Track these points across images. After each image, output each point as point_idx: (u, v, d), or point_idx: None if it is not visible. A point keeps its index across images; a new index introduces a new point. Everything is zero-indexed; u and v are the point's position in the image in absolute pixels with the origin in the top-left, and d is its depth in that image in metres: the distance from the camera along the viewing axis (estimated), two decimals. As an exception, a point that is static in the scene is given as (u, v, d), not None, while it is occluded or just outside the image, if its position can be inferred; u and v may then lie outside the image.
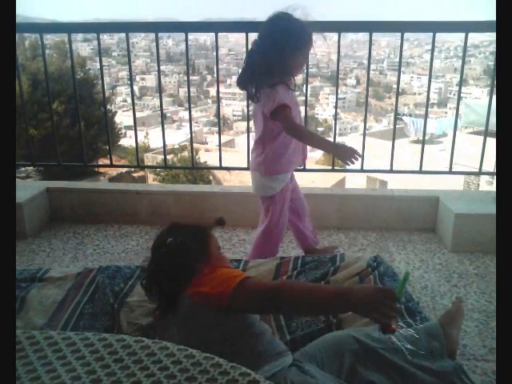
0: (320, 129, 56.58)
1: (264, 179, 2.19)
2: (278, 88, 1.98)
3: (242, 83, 2.11)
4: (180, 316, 1.35)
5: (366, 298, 1.17)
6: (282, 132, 2.06)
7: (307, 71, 2.94)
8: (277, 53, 1.94)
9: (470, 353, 1.78)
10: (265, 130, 2.09)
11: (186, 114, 46.57)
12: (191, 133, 3.23)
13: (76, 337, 0.93)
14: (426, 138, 3.09)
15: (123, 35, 2.77)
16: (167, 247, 1.49)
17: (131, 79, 2.99)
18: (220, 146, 3.13)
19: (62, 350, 0.89)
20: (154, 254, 1.54)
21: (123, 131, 19.58)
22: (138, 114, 13.26)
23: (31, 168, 13.45)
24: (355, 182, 13.57)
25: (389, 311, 1.15)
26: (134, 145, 3.44)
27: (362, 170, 3.01)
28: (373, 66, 68.88)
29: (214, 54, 3.03)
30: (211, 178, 18.24)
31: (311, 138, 2.10)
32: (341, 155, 2.05)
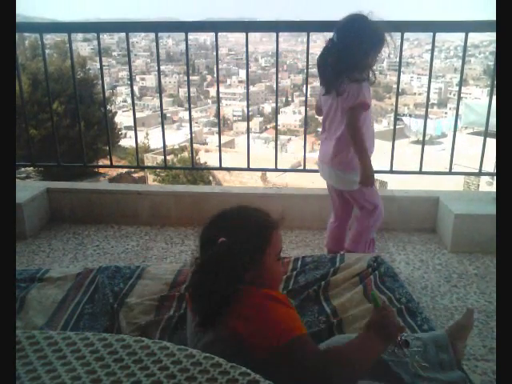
0: (320, 129, 56.53)
1: (350, 175, 2.24)
2: (363, 84, 2.07)
3: (324, 77, 2.19)
4: (209, 335, 1.18)
5: (385, 330, 1.19)
6: (363, 126, 2.13)
7: (307, 71, 2.94)
8: (361, 50, 2.05)
9: (470, 353, 1.78)
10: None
11: (185, 115, 46.58)
12: (191, 133, 3.23)
13: (76, 337, 0.93)
14: (426, 138, 3.09)
15: (123, 35, 2.77)
16: (216, 250, 1.20)
17: (131, 79, 3.00)
18: (220, 146, 3.13)
19: (62, 350, 0.89)
20: (201, 252, 1.28)
21: (123, 131, 19.57)
22: (137, 115, 13.27)
23: (31, 168, 13.44)
24: (355, 183, 13.52)
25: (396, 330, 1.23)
26: (134, 145, 3.44)
27: (361, 170, 3.01)
28: (373, 67, 68.59)
29: (214, 53, 3.03)
30: (211, 178, 18.25)
31: (362, 146, 2.14)
32: (367, 176, 2.16)
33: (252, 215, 1.30)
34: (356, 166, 2.17)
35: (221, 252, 1.19)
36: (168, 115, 52.61)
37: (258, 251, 1.23)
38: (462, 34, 2.55)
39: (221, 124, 3.22)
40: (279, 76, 2.94)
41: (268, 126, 58.26)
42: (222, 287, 1.16)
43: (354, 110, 2.07)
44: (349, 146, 2.16)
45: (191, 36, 2.86)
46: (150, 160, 18.44)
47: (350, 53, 2.05)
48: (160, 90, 3.23)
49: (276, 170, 3.11)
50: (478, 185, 11.97)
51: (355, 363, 1.12)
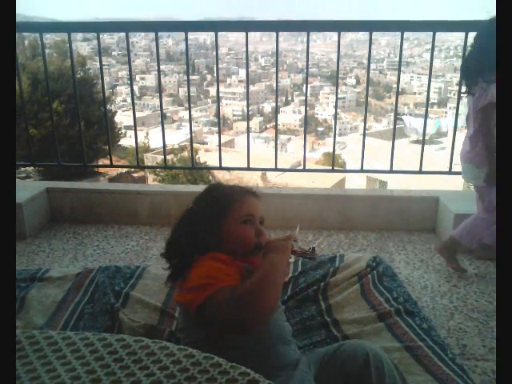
0: (320, 129, 56.66)
1: (477, 170, 2.30)
2: (492, 86, 2.08)
3: (467, 76, 2.30)
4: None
5: (280, 248, 1.25)
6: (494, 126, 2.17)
7: (307, 71, 2.94)
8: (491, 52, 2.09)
9: (470, 352, 1.78)
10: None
11: (185, 114, 46.59)
12: (191, 133, 3.23)
13: (76, 336, 0.93)
14: (424, 138, 3.09)
15: (123, 34, 2.77)
16: (183, 216, 1.41)
17: (131, 79, 2.99)
18: (220, 146, 3.13)
19: (62, 350, 0.89)
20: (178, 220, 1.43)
21: (123, 131, 19.55)
22: (137, 114, 13.26)
23: (31, 168, 13.44)
24: (355, 183, 13.57)
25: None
26: (133, 145, 3.44)
27: (361, 171, 3.01)
28: (373, 66, 68.98)
29: (214, 53, 3.03)
30: (211, 178, 18.24)
31: (490, 145, 2.18)
32: (492, 174, 2.20)
33: (217, 186, 1.45)
34: (485, 162, 2.24)
35: (184, 216, 1.39)
36: (168, 115, 52.66)
37: (217, 216, 1.33)
38: (462, 34, 2.55)
39: (221, 123, 3.22)
40: (279, 75, 2.94)
41: (268, 126, 58.31)
42: (184, 249, 1.29)
43: (485, 110, 2.14)
44: (480, 143, 2.24)
45: (191, 36, 2.86)
46: (149, 160, 18.44)
47: (484, 55, 2.13)
48: (160, 89, 3.23)
49: (276, 169, 3.11)
50: (478, 185, 11.96)
51: (265, 292, 1.10)
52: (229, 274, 1.20)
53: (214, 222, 1.33)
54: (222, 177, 18.03)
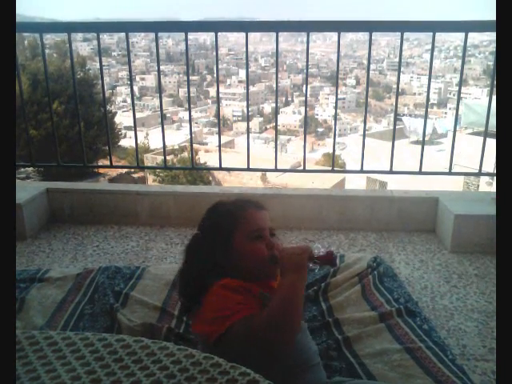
0: (320, 129, 56.70)
1: None
2: None
3: None
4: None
5: (297, 265, 1.17)
6: None
7: (307, 71, 2.94)
8: None
9: (470, 353, 1.78)
10: None
11: (185, 115, 46.60)
12: (191, 133, 3.23)
13: (76, 337, 0.93)
14: (423, 138, 3.09)
15: (123, 35, 2.76)
16: (190, 244, 1.32)
17: (131, 79, 2.99)
18: (220, 146, 3.13)
19: (62, 350, 0.89)
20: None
21: (123, 132, 19.56)
22: (137, 115, 13.25)
23: (31, 169, 13.46)
24: (355, 183, 13.57)
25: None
26: (133, 145, 3.44)
27: (361, 171, 3.01)
28: (372, 66, 69.03)
29: (214, 53, 3.03)
30: (211, 178, 18.25)
31: None
32: None
33: (218, 206, 1.35)
34: None
35: (191, 244, 1.30)
36: (168, 115, 52.70)
37: (225, 238, 1.25)
38: (462, 34, 2.55)
39: (221, 124, 3.22)
40: (279, 76, 2.94)
41: (268, 126, 58.36)
42: (194, 278, 1.24)
43: None
44: None
45: (191, 36, 2.86)
46: (149, 160, 18.45)
47: None
48: (160, 90, 3.22)
49: (276, 170, 3.11)
50: (478, 185, 11.98)
51: (287, 315, 1.08)
52: (240, 302, 1.15)
53: (223, 244, 1.25)
54: (222, 177, 18.05)
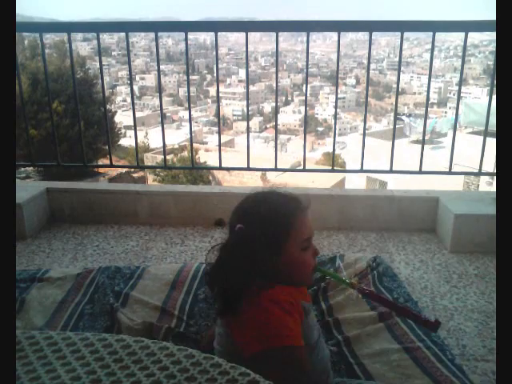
0: (320, 129, 56.70)
1: None
2: None
3: None
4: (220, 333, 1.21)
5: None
6: None
7: (307, 71, 2.94)
8: None
9: (470, 353, 1.78)
10: None
11: (185, 114, 46.60)
12: (191, 133, 3.23)
13: (76, 337, 0.93)
14: (421, 138, 3.09)
15: (123, 35, 2.76)
16: (231, 239, 1.17)
17: (131, 79, 2.99)
18: (220, 145, 3.13)
19: (62, 350, 0.89)
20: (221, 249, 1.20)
21: (123, 131, 19.58)
22: (137, 114, 13.25)
23: (31, 168, 13.46)
24: (355, 183, 13.57)
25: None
26: (133, 145, 3.44)
27: (361, 171, 3.01)
28: (372, 66, 69.05)
29: (214, 53, 3.03)
30: (211, 178, 18.26)
31: None
32: None
33: (272, 201, 1.19)
34: None
35: (235, 241, 1.14)
36: (168, 115, 52.73)
37: (275, 241, 1.14)
38: (462, 34, 2.55)
39: (220, 123, 3.22)
40: (279, 75, 2.94)
41: (268, 126, 58.39)
42: (234, 280, 1.11)
43: None
44: None
45: (191, 35, 2.86)
46: (149, 160, 18.46)
47: None
48: (160, 89, 3.22)
49: (276, 169, 3.11)
50: (478, 185, 11.97)
51: None
52: (291, 328, 1.09)
53: (273, 249, 1.15)
54: (222, 177, 18.06)
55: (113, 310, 1.78)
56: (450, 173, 2.96)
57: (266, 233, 1.13)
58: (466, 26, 2.55)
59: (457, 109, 3.00)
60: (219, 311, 1.17)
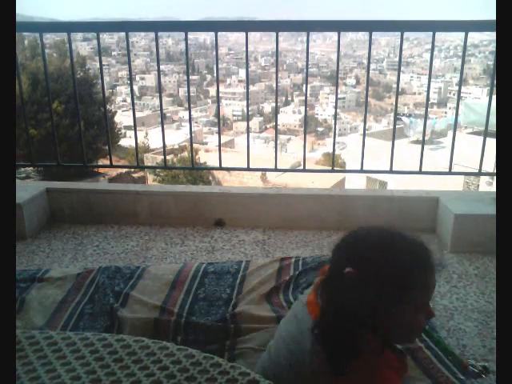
0: (320, 129, 56.69)
1: None
2: None
3: None
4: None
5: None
6: None
7: (307, 71, 2.94)
8: None
9: (470, 353, 1.78)
10: None
11: (185, 114, 46.59)
12: (191, 133, 3.23)
13: (76, 337, 0.93)
14: (421, 138, 3.09)
15: (123, 34, 2.76)
16: (339, 284, 1.01)
17: (131, 79, 2.99)
18: (220, 146, 3.13)
19: (62, 350, 0.89)
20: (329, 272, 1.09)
21: (123, 131, 19.58)
22: (137, 114, 13.25)
23: (31, 168, 13.46)
24: (355, 183, 13.57)
25: None
26: (133, 145, 3.44)
27: (361, 171, 3.01)
28: (372, 66, 69.05)
29: (214, 53, 3.03)
30: (211, 178, 18.26)
31: None
32: None
33: (399, 248, 1.05)
34: None
35: (344, 287, 0.99)
36: (168, 115, 52.74)
37: (395, 301, 0.99)
38: (462, 34, 2.55)
39: (220, 124, 3.22)
40: (279, 75, 2.94)
41: (268, 126, 58.39)
42: (342, 330, 0.97)
43: None
44: None
45: (191, 35, 2.86)
46: (149, 160, 18.45)
47: None
48: (160, 89, 3.22)
49: (276, 170, 3.11)
50: (478, 185, 11.98)
51: None
52: None
53: (390, 305, 0.99)
54: (222, 177, 18.06)
55: (112, 310, 1.78)
56: (450, 173, 2.96)
57: (388, 281, 0.98)
58: (465, 26, 2.55)
59: (457, 109, 3.00)
60: (334, 370, 0.96)
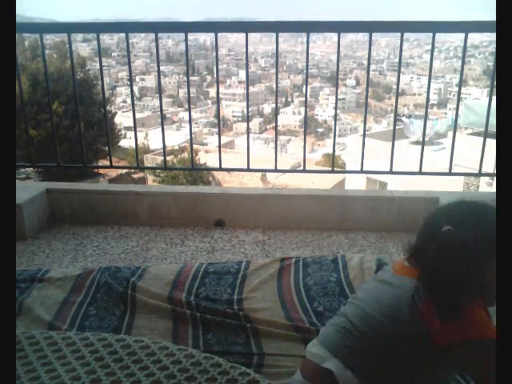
0: (320, 130, 56.70)
1: None
2: None
3: None
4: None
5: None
6: None
7: (307, 71, 2.94)
8: None
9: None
10: None
11: (185, 115, 46.59)
12: (191, 134, 3.22)
13: (76, 337, 0.93)
14: (421, 139, 3.09)
15: (123, 35, 2.76)
16: (439, 238, 1.15)
17: (131, 80, 2.99)
18: (220, 146, 3.13)
19: (62, 350, 0.89)
20: (425, 237, 1.25)
21: (123, 132, 19.59)
22: (137, 115, 13.26)
23: (31, 169, 13.45)
24: (355, 184, 13.57)
25: None
26: (133, 146, 3.44)
27: (361, 172, 3.01)
28: (372, 67, 69.07)
29: (214, 54, 3.03)
30: (211, 179, 18.26)
31: None
32: None
33: (490, 214, 1.15)
34: None
35: (443, 244, 1.13)
36: (168, 116, 52.72)
37: (486, 256, 1.12)
38: (462, 35, 2.55)
39: (220, 124, 3.22)
40: (279, 76, 2.94)
41: (268, 127, 58.39)
42: (454, 289, 1.10)
43: None
44: None
45: (191, 36, 2.86)
46: (149, 161, 18.46)
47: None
48: (160, 90, 3.22)
49: (276, 170, 3.11)
50: (478, 185, 11.98)
51: None
52: (492, 329, 1.09)
53: (482, 264, 1.13)
54: (222, 178, 18.06)
55: (126, 295, 1.84)
56: (450, 173, 2.96)
57: (485, 244, 1.10)
58: (465, 27, 2.55)
59: (457, 110, 3.00)
60: (441, 313, 1.10)
